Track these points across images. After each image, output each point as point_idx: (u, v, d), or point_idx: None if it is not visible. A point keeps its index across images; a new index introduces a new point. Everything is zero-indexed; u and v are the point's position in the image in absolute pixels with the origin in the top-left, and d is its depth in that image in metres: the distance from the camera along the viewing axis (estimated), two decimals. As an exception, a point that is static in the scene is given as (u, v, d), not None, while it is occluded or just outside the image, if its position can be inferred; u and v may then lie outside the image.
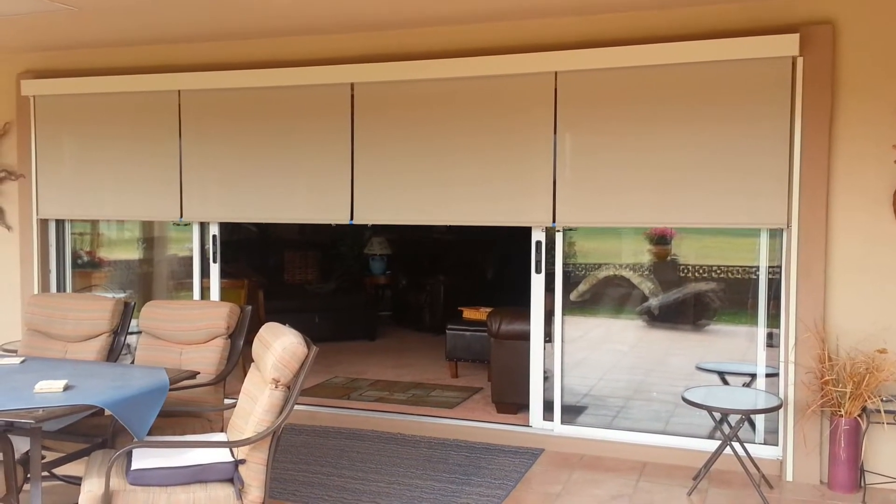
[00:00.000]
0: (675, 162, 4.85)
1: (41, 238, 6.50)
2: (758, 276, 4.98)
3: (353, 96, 5.55)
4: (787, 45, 4.52)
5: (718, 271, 5.17)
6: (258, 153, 5.80)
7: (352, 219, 5.58)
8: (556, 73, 5.05)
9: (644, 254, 5.36)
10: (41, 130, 6.40)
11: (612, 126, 4.97)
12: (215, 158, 5.92)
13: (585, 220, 5.09)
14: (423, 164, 5.40)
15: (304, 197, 5.71)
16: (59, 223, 6.61)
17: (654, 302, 5.34)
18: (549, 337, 5.38)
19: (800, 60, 4.60)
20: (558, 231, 5.21)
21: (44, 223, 6.51)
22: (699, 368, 5.17)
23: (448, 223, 5.41)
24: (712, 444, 4.90)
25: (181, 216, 6.04)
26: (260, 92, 5.75)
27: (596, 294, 5.39)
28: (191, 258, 6.20)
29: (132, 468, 3.22)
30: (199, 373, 4.11)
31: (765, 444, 4.95)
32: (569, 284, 5.33)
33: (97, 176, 6.25)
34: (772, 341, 4.94)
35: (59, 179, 6.36)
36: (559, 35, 5.10)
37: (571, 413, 5.36)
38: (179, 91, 5.95)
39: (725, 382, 5.07)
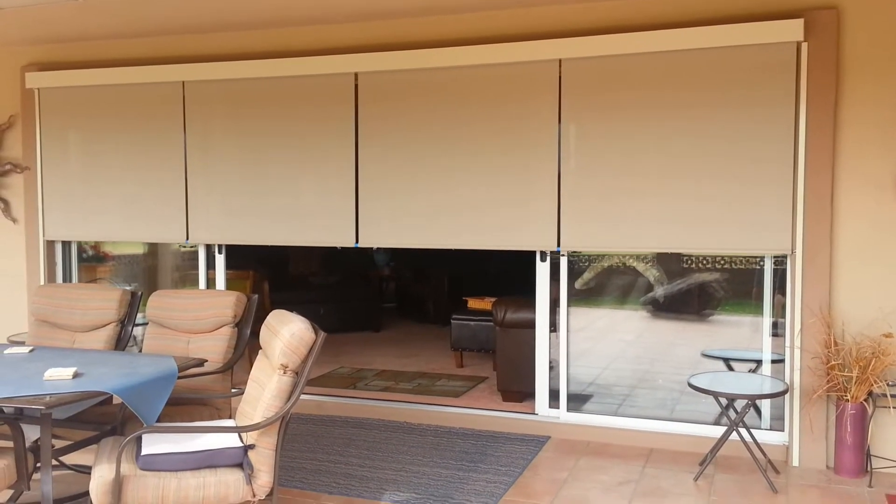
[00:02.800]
0: (679, 151, 4.84)
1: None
2: (762, 265, 4.98)
3: (356, 87, 5.54)
4: (792, 30, 4.53)
5: (723, 261, 5.17)
6: (262, 164, 5.80)
7: (357, 241, 5.60)
8: (559, 60, 5.05)
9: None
10: (46, 123, 6.41)
11: (616, 116, 4.97)
12: (220, 170, 5.91)
13: (590, 245, 5.10)
14: (427, 178, 5.41)
15: (310, 219, 5.72)
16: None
17: (659, 291, 5.34)
18: (554, 326, 5.39)
19: (804, 45, 4.60)
20: (563, 255, 5.23)
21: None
22: (704, 355, 5.18)
23: (452, 247, 5.41)
24: (718, 430, 4.92)
25: (187, 239, 6.06)
26: (263, 83, 5.75)
27: (601, 283, 5.40)
28: (196, 250, 6.21)
29: (142, 453, 3.23)
30: (206, 360, 4.13)
31: (771, 429, 4.95)
32: (573, 273, 5.33)
33: (102, 177, 6.25)
34: (777, 331, 4.94)
35: (64, 173, 6.37)
36: (563, 22, 5.10)
37: (577, 401, 5.37)
38: (183, 82, 5.96)
39: (731, 369, 5.08)
